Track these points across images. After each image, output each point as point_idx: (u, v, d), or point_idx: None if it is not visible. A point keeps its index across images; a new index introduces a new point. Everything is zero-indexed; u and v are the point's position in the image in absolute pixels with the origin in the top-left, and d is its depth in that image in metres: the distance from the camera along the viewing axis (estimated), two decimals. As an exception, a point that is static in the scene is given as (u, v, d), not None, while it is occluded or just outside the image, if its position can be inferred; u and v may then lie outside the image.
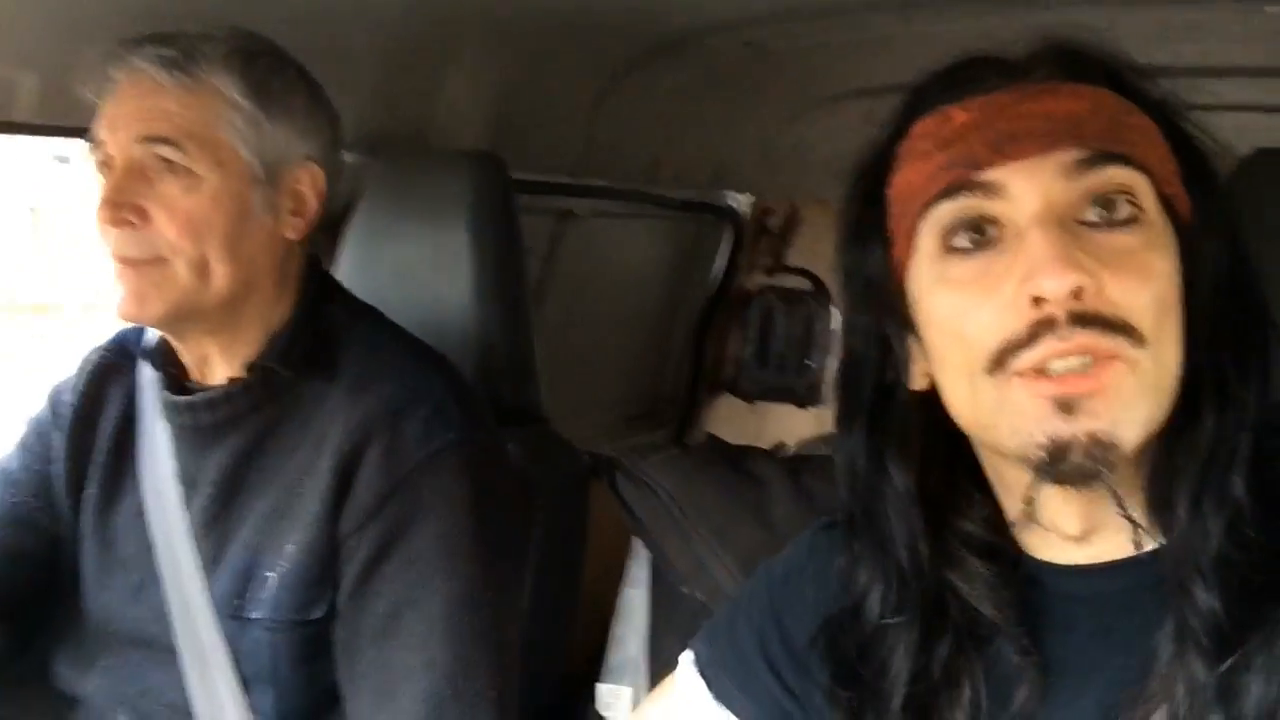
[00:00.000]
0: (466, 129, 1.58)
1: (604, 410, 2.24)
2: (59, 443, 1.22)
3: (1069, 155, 0.67)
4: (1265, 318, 0.71)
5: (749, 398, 2.55)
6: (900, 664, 0.76)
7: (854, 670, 0.78)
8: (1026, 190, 0.67)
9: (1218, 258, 0.70)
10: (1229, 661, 0.64)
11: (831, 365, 2.36)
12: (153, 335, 1.21)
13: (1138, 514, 0.71)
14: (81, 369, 1.25)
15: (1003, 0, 1.38)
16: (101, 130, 1.07)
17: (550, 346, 1.87)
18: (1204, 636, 0.65)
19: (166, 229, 1.05)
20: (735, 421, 2.53)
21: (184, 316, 1.10)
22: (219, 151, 1.07)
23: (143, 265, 1.06)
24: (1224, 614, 0.65)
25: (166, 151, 1.05)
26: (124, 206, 1.05)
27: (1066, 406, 0.65)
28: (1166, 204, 0.70)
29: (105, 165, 1.08)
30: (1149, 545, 0.71)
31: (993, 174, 0.68)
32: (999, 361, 0.67)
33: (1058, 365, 0.65)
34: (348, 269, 1.40)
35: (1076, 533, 0.72)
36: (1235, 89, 1.70)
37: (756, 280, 2.53)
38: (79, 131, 1.12)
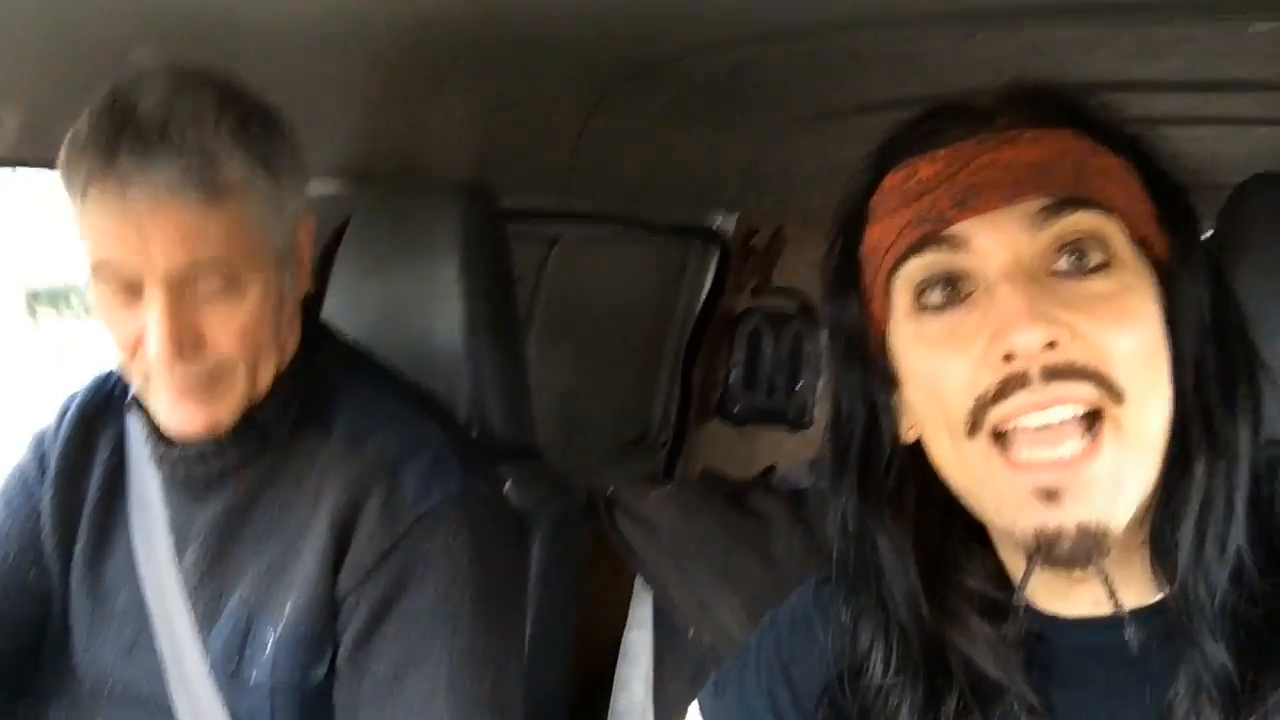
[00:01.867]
0: (453, 157, 1.56)
1: (594, 437, 2.22)
2: (47, 495, 1.18)
3: (1033, 205, 0.66)
4: (1253, 356, 0.70)
5: (739, 422, 2.53)
6: None
7: None
8: (992, 244, 0.67)
9: (1200, 297, 0.69)
10: None
11: (821, 386, 2.35)
12: None
13: (1141, 568, 0.69)
14: (63, 416, 1.21)
15: (987, 19, 1.38)
16: (124, 254, 0.96)
17: (538, 374, 1.84)
18: (1218, 693, 0.64)
19: (224, 346, 1.00)
20: (725, 446, 2.51)
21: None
22: (257, 249, 1.00)
23: (203, 387, 1.01)
24: (1236, 670, 0.64)
25: (220, 273, 0.97)
26: (186, 342, 0.97)
27: (1051, 496, 0.64)
28: (1142, 246, 0.69)
29: (124, 283, 0.98)
30: (1133, 603, 0.69)
31: (957, 229, 0.67)
32: (975, 422, 0.66)
33: (1033, 420, 0.64)
34: (335, 302, 1.38)
35: (1083, 575, 0.70)
36: (1220, 103, 1.70)
37: (743, 301, 2.52)
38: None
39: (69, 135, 0.98)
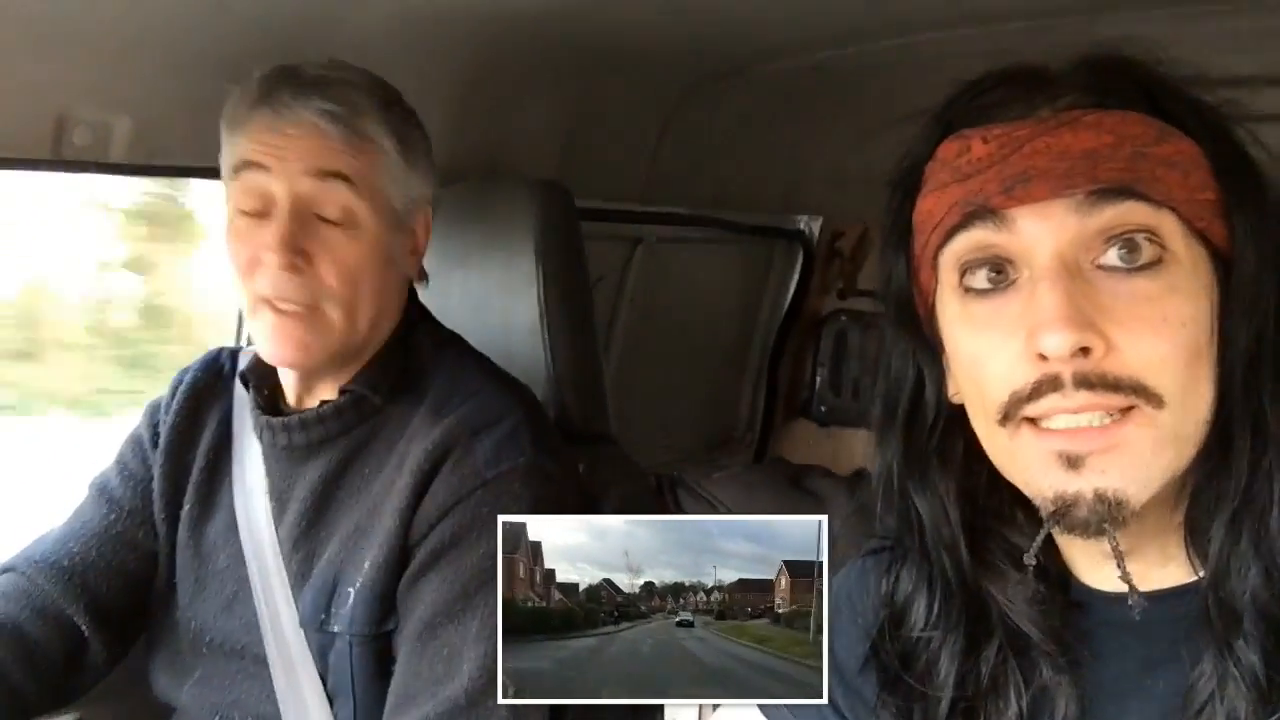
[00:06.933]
0: (536, 157, 1.62)
1: (680, 436, 2.25)
2: (158, 461, 1.28)
3: (1081, 193, 0.66)
4: None
5: (824, 422, 2.54)
6: (946, 669, 0.76)
7: (900, 677, 0.78)
8: (1038, 230, 0.67)
9: (1262, 284, 0.67)
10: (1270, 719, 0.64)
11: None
12: (247, 357, 1.27)
13: (1178, 548, 0.70)
14: (175, 389, 1.31)
15: (1067, 14, 1.37)
16: (264, 157, 1.08)
17: (625, 373, 1.89)
18: (1245, 687, 0.64)
19: (327, 275, 1.09)
20: (810, 446, 2.51)
21: (331, 360, 1.15)
22: (378, 199, 1.12)
23: (300, 312, 1.10)
24: (1263, 673, 0.64)
25: (340, 189, 1.09)
26: (298, 252, 1.08)
27: (1073, 462, 0.65)
28: (1201, 237, 0.67)
29: (259, 193, 1.09)
30: (1170, 583, 0.70)
31: (1004, 212, 0.68)
32: (1007, 414, 0.68)
33: (1061, 421, 0.65)
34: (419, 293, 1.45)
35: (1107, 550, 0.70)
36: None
37: (829, 304, 2.53)
38: (166, 170, 1.19)
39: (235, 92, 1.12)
